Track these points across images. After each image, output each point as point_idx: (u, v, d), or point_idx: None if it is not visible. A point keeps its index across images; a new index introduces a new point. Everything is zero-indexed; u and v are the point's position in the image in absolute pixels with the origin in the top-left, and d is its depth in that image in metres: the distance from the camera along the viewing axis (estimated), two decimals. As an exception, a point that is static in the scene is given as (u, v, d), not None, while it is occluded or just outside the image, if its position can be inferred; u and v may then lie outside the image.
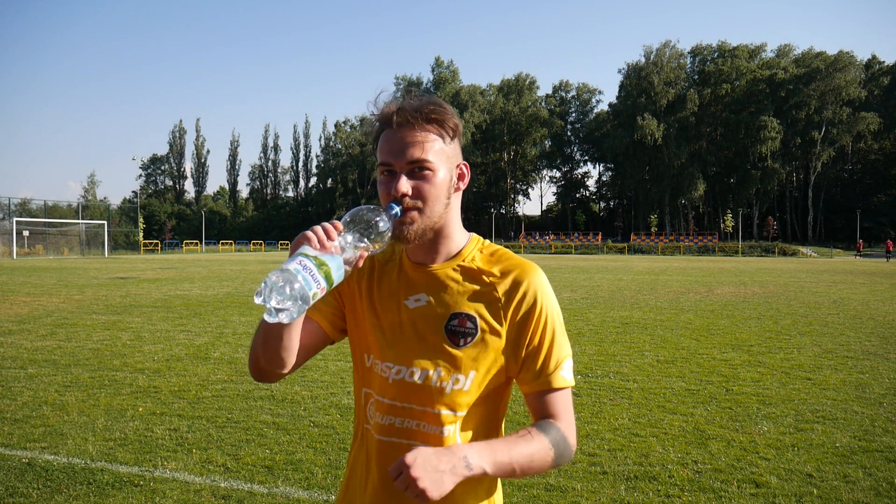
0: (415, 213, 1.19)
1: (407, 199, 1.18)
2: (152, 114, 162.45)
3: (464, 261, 1.27)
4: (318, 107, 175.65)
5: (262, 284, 1.02)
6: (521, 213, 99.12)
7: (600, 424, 4.79)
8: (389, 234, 1.16)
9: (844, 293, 16.27)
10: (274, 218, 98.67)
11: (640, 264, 35.55)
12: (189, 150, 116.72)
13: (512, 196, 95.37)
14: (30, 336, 8.69)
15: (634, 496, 3.52)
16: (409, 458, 1.02)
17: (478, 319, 1.22)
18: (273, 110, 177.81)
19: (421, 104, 1.21)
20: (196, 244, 70.96)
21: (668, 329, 9.72)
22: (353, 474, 1.32)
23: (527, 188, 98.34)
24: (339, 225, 1.11)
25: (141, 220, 65.19)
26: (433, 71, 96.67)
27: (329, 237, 1.08)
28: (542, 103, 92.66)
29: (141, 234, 61.71)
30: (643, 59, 79.74)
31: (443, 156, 1.22)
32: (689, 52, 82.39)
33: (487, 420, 1.26)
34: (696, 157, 77.77)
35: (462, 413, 1.21)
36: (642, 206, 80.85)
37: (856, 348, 8.07)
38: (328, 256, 1.06)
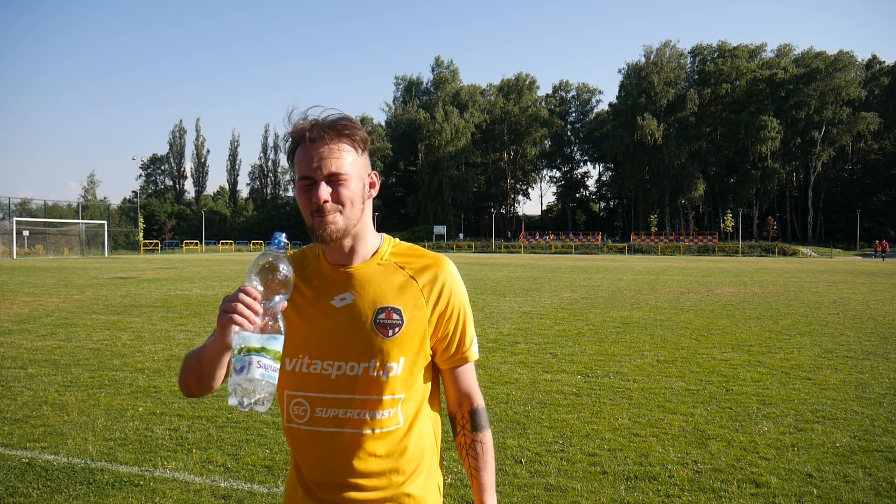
0: (336, 215, 1.31)
1: (328, 203, 1.30)
2: (152, 114, 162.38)
3: (381, 258, 1.41)
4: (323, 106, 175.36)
5: (233, 393, 1.17)
6: (521, 213, 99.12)
7: (600, 424, 4.79)
8: (291, 272, 1.25)
9: (844, 293, 16.27)
10: (274, 218, 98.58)
11: (640, 264, 35.56)
12: (189, 150, 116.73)
13: (512, 196, 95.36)
14: (30, 336, 8.69)
15: (634, 496, 3.52)
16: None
17: (402, 310, 1.35)
18: (273, 110, 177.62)
19: (333, 120, 1.33)
20: (196, 244, 70.95)
21: (668, 329, 9.72)
22: (300, 474, 1.41)
23: (527, 188, 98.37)
24: (255, 293, 1.19)
25: (141, 219, 65.19)
26: (433, 71, 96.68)
27: (256, 311, 1.19)
28: (542, 103, 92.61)
29: (141, 234, 61.71)
30: (643, 59, 79.71)
31: (355, 167, 1.34)
32: (689, 52, 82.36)
33: (424, 392, 1.42)
34: (696, 157, 77.74)
35: (401, 395, 1.35)
36: (642, 206, 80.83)
37: (856, 348, 8.07)
38: (269, 338, 1.18)
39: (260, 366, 1.15)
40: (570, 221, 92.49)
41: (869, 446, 4.30)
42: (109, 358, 7.17)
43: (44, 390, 5.71)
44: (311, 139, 1.31)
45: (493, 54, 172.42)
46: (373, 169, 1.47)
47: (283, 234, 1.26)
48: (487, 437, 1.45)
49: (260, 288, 1.20)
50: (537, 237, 77.17)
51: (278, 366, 1.20)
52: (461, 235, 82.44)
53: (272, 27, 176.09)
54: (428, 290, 1.38)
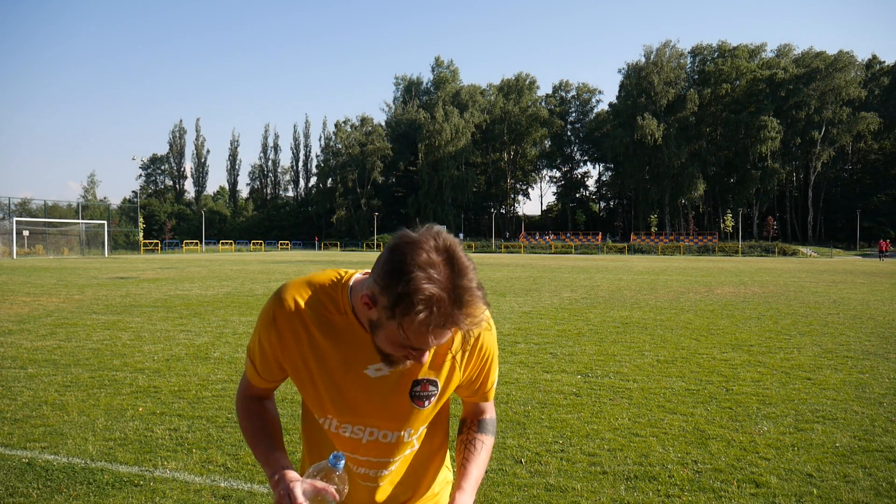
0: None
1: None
2: (152, 114, 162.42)
3: None
4: (318, 107, 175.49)
5: None
6: (521, 213, 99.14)
7: (600, 424, 4.79)
8: (343, 496, 1.19)
9: (844, 293, 16.27)
10: (274, 218, 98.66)
11: (640, 264, 35.56)
12: (189, 150, 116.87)
13: (512, 196, 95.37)
14: (30, 336, 8.69)
15: (634, 496, 3.52)
16: None
17: (438, 382, 1.34)
18: (273, 110, 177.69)
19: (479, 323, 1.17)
20: (196, 244, 70.96)
21: (668, 329, 9.72)
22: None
23: (527, 188, 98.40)
24: (299, 498, 1.15)
25: (141, 219, 65.18)
26: (433, 71, 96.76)
27: None
28: (542, 103, 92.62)
29: (141, 234, 61.70)
30: (643, 59, 79.72)
31: None
32: (689, 52, 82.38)
33: (441, 420, 1.50)
34: (696, 157, 77.74)
35: (421, 430, 1.43)
36: (642, 206, 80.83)
37: (856, 348, 8.07)
38: None
39: None
40: (570, 221, 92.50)
41: (869, 446, 4.30)
42: (109, 358, 7.17)
43: (44, 390, 5.71)
44: (463, 325, 1.12)
45: (493, 54, 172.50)
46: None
47: (343, 461, 1.18)
48: (489, 441, 1.47)
49: (310, 495, 1.17)
50: (537, 237, 77.19)
51: None
52: (461, 235, 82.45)
53: (272, 27, 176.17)
54: (461, 354, 1.36)
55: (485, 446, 1.46)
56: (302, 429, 1.49)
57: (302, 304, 1.29)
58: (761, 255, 56.55)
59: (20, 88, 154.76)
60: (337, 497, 1.16)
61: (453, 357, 1.34)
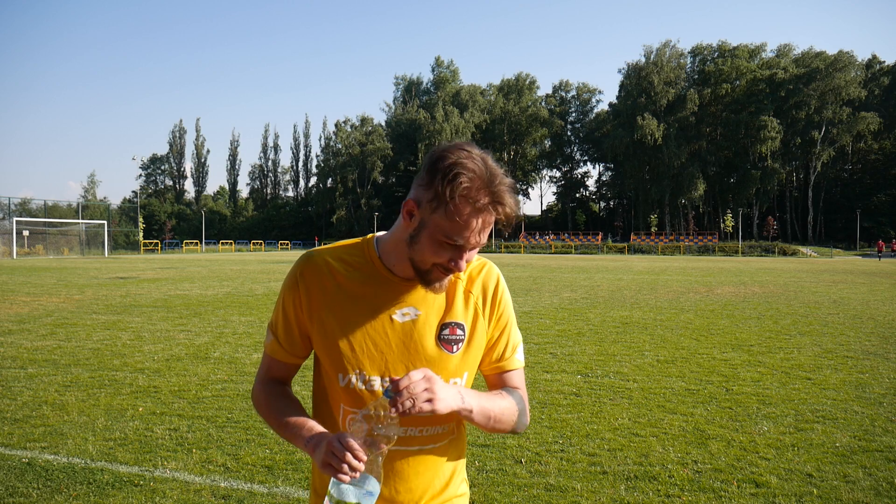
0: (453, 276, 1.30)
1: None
2: (152, 114, 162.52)
3: None
4: (318, 107, 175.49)
5: None
6: (521, 213, 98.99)
7: (600, 424, 4.79)
8: (398, 430, 1.14)
9: (844, 293, 16.27)
10: (274, 218, 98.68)
11: (640, 264, 35.56)
12: (189, 150, 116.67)
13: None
14: (30, 336, 8.69)
15: (634, 496, 3.52)
16: (416, 373, 1.13)
17: (465, 325, 1.33)
18: (273, 110, 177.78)
19: (518, 207, 1.26)
20: (196, 244, 70.96)
21: (668, 329, 9.71)
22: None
23: (527, 188, 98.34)
24: (361, 453, 1.10)
25: (141, 219, 65.19)
26: (433, 71, 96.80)
27: (357, 469, 1.09)
28: (542, 103, 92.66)
29: (141, 234, 61.72)
30: (643, 59, 79.75)
31: None
32: (689, 52, 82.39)
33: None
34: (696, 157, 77.73)
35: None
36: (642, 206, 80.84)
37: (856, 348, 8.07)
38: (366, 494, 1.11)
39: None
40: (570, 221, 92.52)
41: (869, 446, 4.30)
42: (109, 358, 7.17)
43: (44, 390, 5.71)
44: (498, 216, 1.21)
45: (493, 54, 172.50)
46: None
47: (394, 395, 1.14)
48: (512, 402, 1.32)
49: (363, 441, 1.12)
50: (537, 237, 77.18)
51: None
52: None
53: (272, 27, 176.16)
54: (482, 300, 1.36)
55: (506, 398, 1.32)
56: (313, 415, 1.40)
57: (329, 258, 1.33)
58: (761, 255, 56.55)
59: (20, 88, 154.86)
60: (394, 436, 1.13)
61: (476, 304, 1.35)
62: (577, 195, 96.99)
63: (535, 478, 3.76)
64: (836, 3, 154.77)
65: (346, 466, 1.08)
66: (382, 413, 1.12)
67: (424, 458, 1.32)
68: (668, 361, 7.20)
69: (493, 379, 1.40)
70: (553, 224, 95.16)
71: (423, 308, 1.31)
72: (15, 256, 41.53)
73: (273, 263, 34.03)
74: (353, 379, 1.29)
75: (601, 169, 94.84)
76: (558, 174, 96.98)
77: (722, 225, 75.39)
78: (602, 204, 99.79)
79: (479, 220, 1.19)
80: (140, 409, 5.14)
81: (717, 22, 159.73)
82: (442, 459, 1.35)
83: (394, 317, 1.29)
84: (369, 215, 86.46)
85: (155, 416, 4.93)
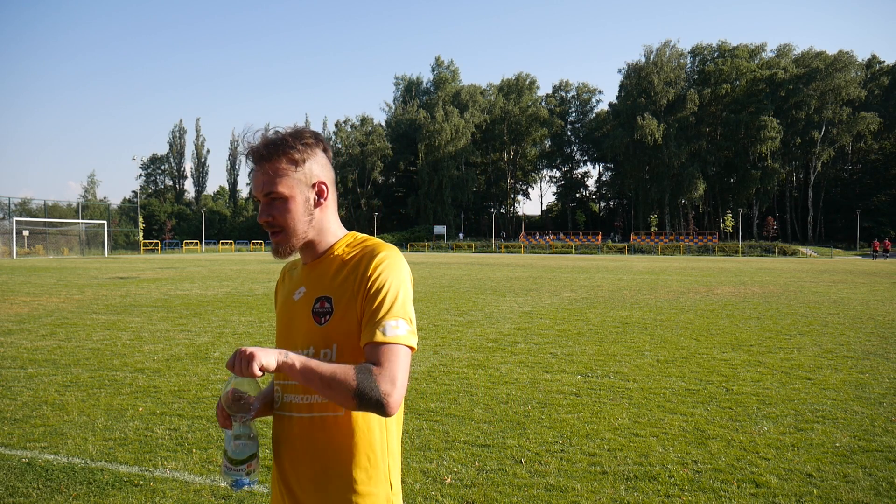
0: (280, 236, 1.46)
1: (270, 222, 1.45)
2: (152, 114, 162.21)
3: (332, 253, 1.50)
4: (318, 107, 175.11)
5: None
6: (521, 213, 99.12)
7: (600, 424, 4.79)
8: (246, 395, 1.38)
9: (844, 293, 16.27)
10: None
11: (640, 264, 35.56)
12: (189, 150, 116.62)
13: (512, 196, 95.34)
14: (30, 336, 8.69)
15: (634, 496, 3.52)
16: (242, 347, 1.30)
17: (333, 299, 1.43)
18: (273, 110, 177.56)
19: (266, 144, 1.43)
20: (196, 244, 70.95)
21: (668, 329, 9.71)
22: (274, 456, 1.54)
23: (527, 188, 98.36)
24: (223, 410, 1.44)
25: (141, 219, 65.18)
26: (433, 71, 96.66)
27: (225, 422, 1.43)
28: (542, 103, 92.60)
29: (141, 234, 61.71)
30: (643, 59, 79.70)
31: (292, 183, 1.44)
32: (689, 52, 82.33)
33: None
34: (696, 157, 77.71)
35: None
36: (642, 206, 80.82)
37: (856, 348, 8.07)
38: (232, 445, 1.42)
39: (224, 466, 1.43)
40: (570, 221, 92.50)
41: (869, 446, 4.30)
42: (109, 358, 7.17)
43: (44, 390, 5.71)
44: (253, 162, 1.45)
45: (493, 54, 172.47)
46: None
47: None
48: (350, 371, 1.27)
49: (227, 396, 1.38)
50: (537, 237, 77.15)
51: (240, 469, 1.40)
52: (461, 235, 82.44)
53: (272, 27, 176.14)
54: (357, 275, 1.41)
55: (341, 366, 1.29)
56: None
57: (290, 262, 1.63)
58: (761, 255, 56.54)
59: (20, 88, 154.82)
60: (242, 402, 1.38)
61: (352, 276, 1.42)
62: (577, 195, 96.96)
63: (535, 478, 3.76)
64: (836, 3, 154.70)
65: (219, 420, 1.45)
66: (227, 388, 1.39)
67: (312, 426, 1.42)
68: (668, 361, 7.20)
69: (365, 353, 1.34)
70: (553, 224, 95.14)
71: (308, 285, 1.49)
72: (15, 256, 41.53)
73: (273, 263, 34.02)
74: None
75: (601, 169, 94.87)
76: (558, 174, 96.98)
77: (722, 225, 75.36)
78: (602, 204, 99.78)
79: (250, 172, 1.47)
80: (140, 409, 5.14)
81: (717, 22, 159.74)
82: (328, 433, 1.41)
83: (293, 296, 1.52)
84: (369, 215, 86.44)
85: (155, 416, 4.93)
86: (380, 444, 1.42)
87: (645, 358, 7.39)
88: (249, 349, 1.28)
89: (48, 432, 4.53)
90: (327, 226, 1.51)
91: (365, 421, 1.41)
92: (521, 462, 4.01)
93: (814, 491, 3.57)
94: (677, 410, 5.18)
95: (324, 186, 1.49)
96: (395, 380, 1.29)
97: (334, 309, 1.41)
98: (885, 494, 3.54)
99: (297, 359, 1.30)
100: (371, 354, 1.32)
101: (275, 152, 1.42)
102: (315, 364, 1.30)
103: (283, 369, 1.29)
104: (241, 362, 1.28)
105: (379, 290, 1.37)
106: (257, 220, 1.47)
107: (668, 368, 6.82)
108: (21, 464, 3.92)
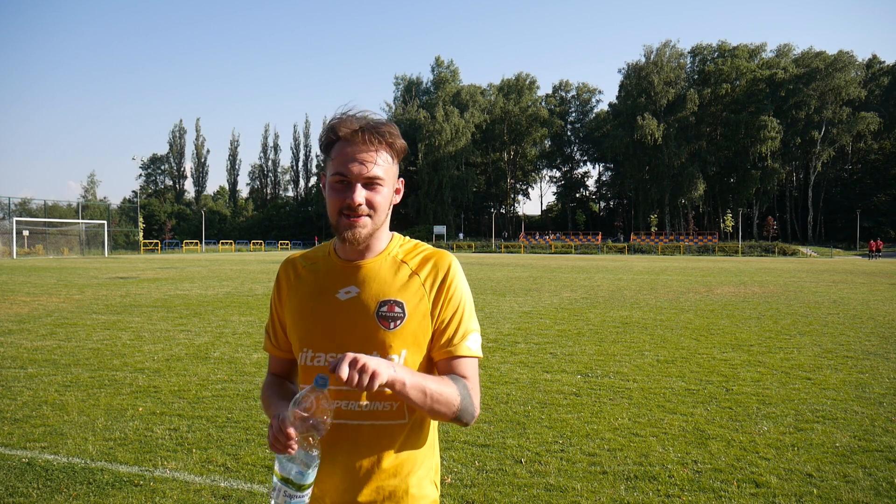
0: (367, 219, 1.36)
1: (362, 206, 1.34)
2: (152, 114, 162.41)
3: (389, 254, 1.44)
4: (318, 107, 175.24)
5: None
6: (521, 213, 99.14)
7: (600, 424, 4.79)
8: (329, 419, 1.23)
9: (844, 293, 16.26)
10: (274, 218, 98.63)
11: (640, 264, 35.56)
12: (189, 150, 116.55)
13: (512, 196, 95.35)
14: (30, 336, 8.69)
15: (634, 496, 3.52)
16: (351, 354, 1.17)
17: (405, 304, 1.38)
18: (273, 110, 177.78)
19: (381, 125, 1.37)
20: (196, 244, 70.93)
21: (668, 329, 9.71)
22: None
23: (527, 188, 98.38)
24: (291, 433, 1.20)
25: (141, 219, 65.15)
26: (433, 71, 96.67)
27: (289, 447, 1.20)
28: (542, 103, 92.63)
29: (141, 234, 61.68)
30: (643, 59, 79.70)
31: (390, 174, 1.40)
32: (689, 52, 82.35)
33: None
34: (696, 157, 77.72)
35: None
36: (642, 206, 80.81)
37: (856, 348, 8.07)
38: (298, 472, 1.23)
39: (284, 495, 1.24)
40: (570, 221, 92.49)
41: (869, 446, 4.30)
42: (109, 358, 7.17)
43: (44, 390, 5.71)
44: (355, 140, 1.34)
45: (493, 54, 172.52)
46: (401, 176, 1.51)
47: (328, 381, 1.22)
48: (454, 388, 1.31)
49: (297, 423, 1.22)
50: (537, 237, 77.13)
51: (304, 496, 1.23)
52: (461, 235, 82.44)
53: (272, 27, 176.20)
54: (430, 283, 1.40)
55: (447, 382, 1.31)
56: None
57: (298, 257, 1.55)
58: (761, 255, 56.53)
59: (20, 88, 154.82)
60: (326, 420, 1.22)
61: (421, 285, 1.39)
62: (577, 195, 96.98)
63: (535, 478, 3.76)
64: (836, 3, 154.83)
65: (277, 440, 1.21)
66: (313, 397, 1.22)
67: (367, 435, 1.36)
68: (668, 361, 7.20)
69: (442, 365, 1.40)
70: (553, 224, 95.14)
71: (363, 286, 1.40)
72: (15, 256, 41.52)
73: (273, 263, 34.03)
74: (308, 356, 1.41)
75: (601, 169, 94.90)
76: (558, 174, 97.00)
77: (722, 225, 75.36)
78: (602, 204, 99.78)
79: (349, 148, 1.34)
80: (140, 409, 5.14)
81: (717, 22, 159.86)
82: (389, 442, 1.37)
83: (338, 296, 1.40)
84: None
85: (155, 416, 4.93)
86: (433, 446, 1.47)
87: (645, 358, 7.39)
88: (363, 359, 1.17)
89: (48, 432, 4.53)
90: (387, 224, 1.47)
91: (430, 426, 1.44)
92: (521, 462, 4.01)
93: (814, 491, 3.58)
94: (677, 410, 5.18)
95: (401, 186, 1.48)
96: (478, 391, 1.39)
97: (406, 314, 1.37)
98: (885, 494, 3.54)
99: (406, 373, 1.24)
100: (456, 367, 1.38)
101: (389, 140, 1.38)
102: (422, 379, 1.27)
103: (392, 385, 1.22)
104: (360, 376, 1.15)
105: (458, 303, 1.40)
106: (346, 202, 1.33)
107: (668, 368, 6.82)
108: (21, 464, 3.92)
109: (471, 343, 1.40)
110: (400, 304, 1.37)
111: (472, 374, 1.39)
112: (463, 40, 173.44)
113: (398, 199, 1.47)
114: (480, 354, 1.42)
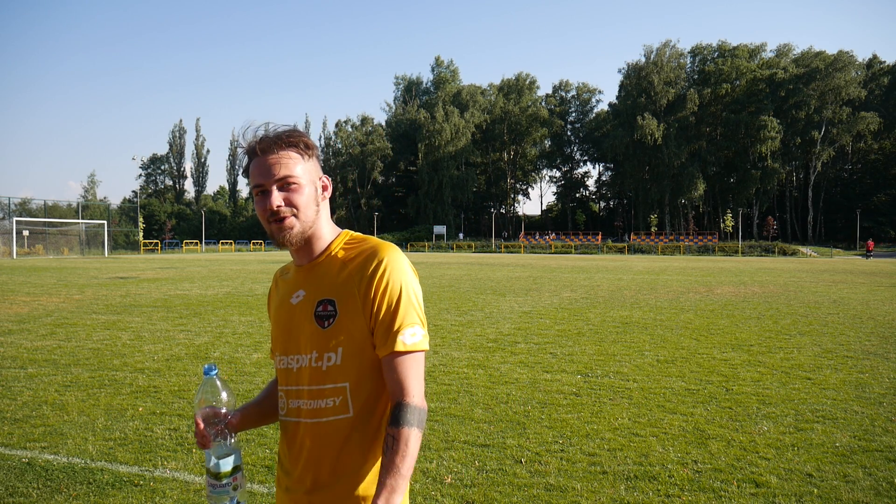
0: (292, 220, 1.41)
1: (282, 208, 1.39)
2: (152, 114, 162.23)
3: (330, 253, 1.47)
4: (318, 107, 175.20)
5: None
6: (521, 213, 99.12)
7: (600, 424, 4.79)
8: (221, 392, 1.44)
9: (844, 293, 16.26)
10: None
11: (639, 264, 35.56)
12: (189, 150, 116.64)
13: (512, 196, 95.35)
14: (30, 336, 8.69)
15: (634, 496, 3.52)
16: None
17: (336, 302, 1.40)
18: (273, 110, 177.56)
19: (277, 132, 1.43)
20: (196, 244, 70.93)
21: (668, 329, 9.71)
22: (278, 461, 1.56)
23: (527, 188, 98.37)
24: (199, 424, 1.43)
25: (141, 219, 65.15)
26: (433, 71, 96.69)
27: (205, 437, 1.44)
28: (542, 103, 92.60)
29: (141, 234, 61.68)
30: (643, 59, 79.70)
31: (305, 172, 1.43)
32: (689, 52, 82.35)
33: (375, 388, 1.42)
34: (696, 157, 77.72)
35: (344, 384, 1.40)
36: (642, 206, 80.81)
37: (856, 348, 8.07)
38: (215, 462, 1.41)
39: (209, 486, 1.41)
40: (570, 221, 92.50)
41: (869, 446, 4.30)
42: (109, 358, 7.17)
43: (44, 390, 5.71)
44: (260, 150, 1.42)
45: (493, 54, 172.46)
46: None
47: (215, 369, 1.44)
48: (402, 434, 1.30)
49: (201, 415, 1.41)
50: (537, 237, 77.13)
51: (224, 484, 1.41)
52: (461, 235, 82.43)
53: (272, 27, 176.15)
54: (358, 277, 1.40)
55: (397, 445, 1.30)
56: None
57: (281, 268, 1.63)
58: (761, 255, 56.53)
59: (20, 88, 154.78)
60: (221, 407, 1.41)
61: (352, 278, 1.40)
62: (577, 195, 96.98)
63: (535, 478, 3.76)
64: (836, 3, 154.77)
65: (198, 439, 1.43)
66: (202, 387, 1.44)
67: (317, 432, 1.41)
68: (668, 361, 7.20)
69: (385, 362, 1.38)
70: (553, 224, 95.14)
71: (308, 288, 1.46)
72: (15, 256, 41.52)
73: (273, 263, 34.03)
74: (278, 359, 1.51)
75: (601, 169, 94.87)
76: (558, 174, 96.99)
77: (722, 225, 75.36)
78: (602, 204, 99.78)
79: (256, 160, 1.42)
80: (140, 409, 5.14)
81: (717, 22, 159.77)
82: (338, 437, 1.40)
83: (291, 300, 1.49)
84: (369, 215, 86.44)
85: (155, 416, 4.93)
86: None
87: (645, 358, 7.39)
88: None
89: (48, 432, 4.53)
90: (325, 224, 1.49)
91: (379, 421, 1.43)
92: (521, 462, 4.01)
93: (814, 491, 3.58)
94: (677, 410, 5.18)
95: (327, 182, 1.51)
96: (418, 387, 1.39)
97: (338, 312, 1.39)
98: (885, 494, 3.54)
99: (389, 494, 1.27)
100: (393, 365, 1.37)
101: (289, 140, 1.42)
102: (396, 471, 1.28)
103: None
104: None
105: (391, 296, 1.38)
106: (266, 208, 1.39)
107: (668, 368, 6.82)
108: (21, 464, 3.92)
109: (406, 337, 1.36)
110: (331, 302, 1.40)
111: (409, 368, 1.36)
112: (463, 40, 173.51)
113: (327, 194, 1.50)
114: (423, 347, 1.38)
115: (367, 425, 1.41)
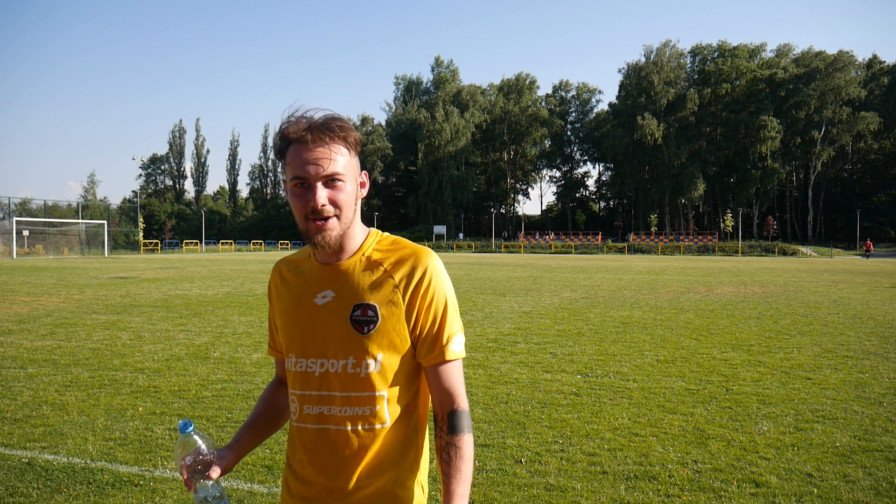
0: (334, 220, 1.32)
1: (326, 207, 1.30)
2: (152, 114, 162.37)
3: (363, 254, 1.40)
4: (318, 107, 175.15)
5: None
6: (521, 213, 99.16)
7: (600, 424, 4.79)
8: (202, 448, 1.35)
9: (844, 293, 16.26)
10: (274, 217, 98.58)
11: (639, 264, 35.55)
12: (189, 150, 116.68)
13: (512, 196, 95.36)
14: (30, 336, 8.69)
15: (634, 496, 3.52)
16: None
17: (378, 307, 1.34)
18: (273, 110, 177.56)
19: (329, 120, 1.32)
20: (196, 244, 70.92)
21: (668, 329, 9.71)
22: (290, 470, 1.45)
23: (527, 188, 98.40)
24: (184, 477, 1.35)
25: (141, 219, 65.15)
26: (433, 71, 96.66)
27: (189, 485, 1.35)
28: (542, 103, 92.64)
29: (141, 234, 61.68)
30: (643, 59, 79.73)
31: (349, 169, 1.35)
32: (689, 52, 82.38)
33: (412, 390, 1.40)
34: (696, 157, 77.73)
35: (382, 392, 1.35)
36: (642, 206, 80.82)
37: (856, 348, 8.07)
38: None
39: None
40: (570, 221, 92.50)
41: (869, 446, 4.30)
42: (109, 358, 7.17)
43: (44, 390, 5.71)
44: (306, 140, 1.30)
45: (493, 54, 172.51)
46: (373, 169, 1.47)
47: (191, 425, 1.36)
48: (464, 441, 1.33)
49: (184, 470, 1.35)
50: (537, 237, 77.14)
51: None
52: (461, 235, 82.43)
53: (272, 27, 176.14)
54: (404, 284, 1.35)
55: (460, 453, 1.32)
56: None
57: (284, 262, 1.52)
58: (761, 255, 56.53)
59: (20, 88, 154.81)
60: (202, 457, 1.34)
61: (396, 286, 1.35)
62: (577, 195, 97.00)
63: (535, 478, 3.76)
64: (836, 3, 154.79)
65: (187, 485, 1.34)
66: (180, 444, 1.36)
67: (347, 439, 1.35)
68: (668, 361, 7.20)
69: (430, 371, 1.38)
70: (553, 224, 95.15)
71: (338, 290, 1.37)
72: (15, 256, 41.52)
73: (273, 263, 34.00)
74: (293, 361, 1.40)
75: (601, 169, 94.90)
76: (558, 174, 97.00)
77: (722, 225, 75.36)
78: (602, 204, 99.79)
79: (302, 150, 1.30)
80: (140, 409, 5.14)
81: (717, 22, 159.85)
82: (369, 444, 1.35)
83: (315, 300, 1.39)
84: (369, 215, 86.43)
85: (155, 416, 4.93)
86: (419, 447, 1.44)
87: (645, 358, 7.39)
88: None
89: (48, 432, 4.53)
90: (358, 220, 1.41)
91: (415, 428, 1.41)
92: (521, 462, 4.01)
93: (814, 491, 3.58)
94: (677, 410, 5.18)
95: (365, 179, 1.42)
96: (464, 392, 1.39)
97: (380, 318, 1.34)
98: (885, 494, 3.54)
99: (461, 502, 1.29)
100: (443, 373, 1.37)
101: (341, 132, 1.32)
102: (461, 492, 1.30)
103: None
104: None
105: (437, 307, 1.37)
106: (308, 204, 1.30)
107: (668, 368, 6.82)
108: (21, 464, 3.92)
109: (455, 346, 1.39)
110: (373, 308, 1.34)
111: (455, 376, 1.39)
112: (463, 40, 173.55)
113: (364, 192, 1.42)
114: (464, 354, 1.41)
115: (399, 433, 1.38)
